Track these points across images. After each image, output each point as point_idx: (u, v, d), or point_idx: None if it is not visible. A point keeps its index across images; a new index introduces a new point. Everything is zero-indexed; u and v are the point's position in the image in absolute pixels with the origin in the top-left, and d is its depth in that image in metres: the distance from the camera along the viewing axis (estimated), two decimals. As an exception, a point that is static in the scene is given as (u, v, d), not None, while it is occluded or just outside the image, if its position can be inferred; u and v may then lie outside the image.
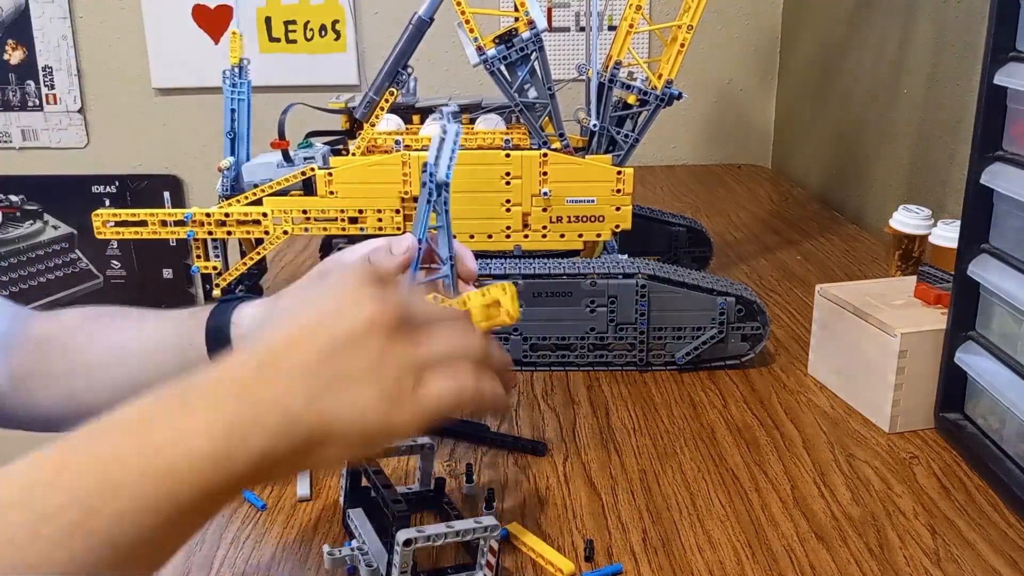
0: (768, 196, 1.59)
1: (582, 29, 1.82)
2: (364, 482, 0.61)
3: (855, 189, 1.49)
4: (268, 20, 1.86)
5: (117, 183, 2.01)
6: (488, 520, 0.54)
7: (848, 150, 1.53)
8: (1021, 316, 0.65)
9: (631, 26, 0.91)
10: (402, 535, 0.51)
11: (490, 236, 0.91)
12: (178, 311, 0.66)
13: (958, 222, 0.75)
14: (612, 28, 0.92)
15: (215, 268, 0.94)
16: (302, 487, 0.68)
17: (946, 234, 0.96)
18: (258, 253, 0.94)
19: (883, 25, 1.39)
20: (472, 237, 0.91)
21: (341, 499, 0.63)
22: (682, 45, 0.90)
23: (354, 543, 0.59)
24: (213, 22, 1.89)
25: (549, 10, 1.81)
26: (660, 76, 0.91)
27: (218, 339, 0.62)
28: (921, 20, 1.26)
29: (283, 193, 0.91)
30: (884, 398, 0.76)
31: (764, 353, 0.90)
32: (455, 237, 0.64)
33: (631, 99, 0.92)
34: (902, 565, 0.59)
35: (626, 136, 0.92)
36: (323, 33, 1.88)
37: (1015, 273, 0.65)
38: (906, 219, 1.04)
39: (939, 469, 0.70)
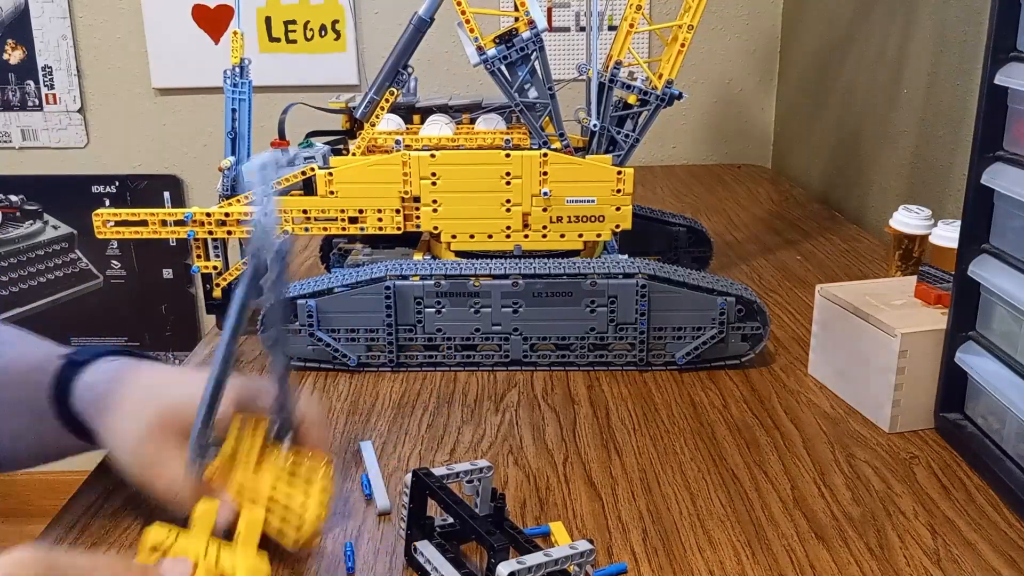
0: (768, 196, 1.59)
1: (582, 29, 1.82)
2: (429, 511, 0.58)
3: (855, 189, 1.49)
4: (268, 20, 1.86)
5: (117, 183, 2.01)
6: (583, 545, 0.52)
7: (848, 150, 1.53)
8: (1021, 316, 0.65)
9: (631, 26, 0.91)
10: (504, 568, 0.49)
11: (490, 236, 0.91)
12: (45, 353, 0.64)
13: (958, 222, 0.75)
14: (612, 28, 0.93)
15: (215, 268, 0.94)
16: (381, 499, 0.66)
17: (946, 234, 0.96)
18: (258, 253, 0.94)
19: (883, 25, 1.39)
20: (472, 237, 0.91)
21: (402, 531, 0.60)
22: (682, 45, 0.90)
23: None
24: (213, 22, 1.89)
25: (549, 10, 1.81)
26: (660, 76, 0.91)
27: (61, 395, 0.61)
28: (921, 20, 1.26)
29: (283, 193, 0.91)
30: (884, 398, 0.76)
31: (764, 353, 0.90)
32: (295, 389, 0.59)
33: (631, 99, 0.92)
34: (902, 565, 0.59)
35: (626, 136, 0.92)
36: (323, 33, 1.88)
37: (1015, 273, 0.65)
38: (906, 219, 1.04)
39: (939, 469, 0.70)
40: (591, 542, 0.52)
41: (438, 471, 0.58)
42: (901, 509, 0.65)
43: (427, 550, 0.57)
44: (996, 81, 0.64)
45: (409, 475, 0.58)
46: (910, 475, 0.70)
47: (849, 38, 1.53)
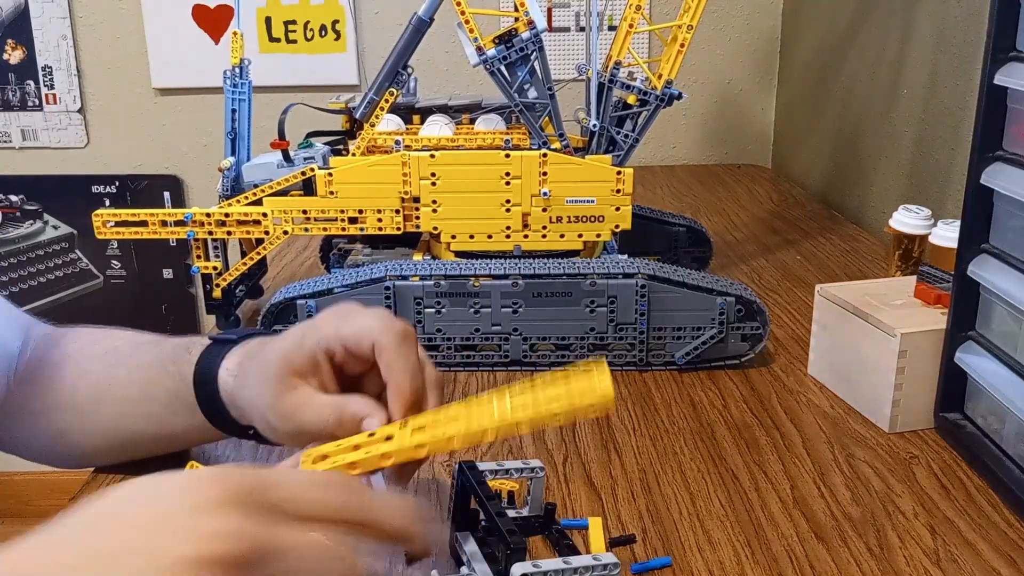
0: (768, 196, 1.59)
1: (582, 29, 1.82)
2: (474, 504, 0.57)
3: (855, 189, 1.49)
4: (268, 20, 1.86)
5: (117, 183, 2.01)
6: (608, 558, 0.51)
7: (848, 150, 1.53)
8: (1021, 316, 0.65)
9: (631, 26, 0.91)
10: (517, 569, 0.49)
11: (490, 236, 0.91)
12: (173, 345, 0.65)
13: (958, 222, 0.75)
14: (612, 28, 0.93)
15: (215, 268, 0.94)
16: None
17: (946, 234, 0.96)
18: (258, 253, 0.94)
19: (883, 25, 1.39)
20: (472, 237, 0.91)
21: (448, 520, 0.59)
22: (682, 45, 0.90)
23: (463, 570, 0.55)
24: (213, 22, 1.89)
25: (549, 10, 1.81)
26: (660, 76, 0.91)
27: (206, 388, 0.60)
28: (921, 20, 1.26)
29: (283, 193, 0.91)
30: (884, 398, 0.76)
31: (764, 353, 0.90)
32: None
33: (631, 99, 0.92)
34: (902, 565, 0.59)
35: (626, 136, 0.92)
36: (323, 33, 1.88)
37: (1015, 273, 0.65)
38: (906, 219, 1.04)
39: (939, 469, 0.70)
40: (632, 539, 0.50)
41: (485, 466, 0.58)
42: (901, 509, 0.65)
43: (466, 542, 0.56)
44: (996, 81, 0.64)
45: (456, 467, 0.58)
46: (910, 475, 0.70)
47: (849, 38, 1.53)
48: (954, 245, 0.73)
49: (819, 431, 0.76)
